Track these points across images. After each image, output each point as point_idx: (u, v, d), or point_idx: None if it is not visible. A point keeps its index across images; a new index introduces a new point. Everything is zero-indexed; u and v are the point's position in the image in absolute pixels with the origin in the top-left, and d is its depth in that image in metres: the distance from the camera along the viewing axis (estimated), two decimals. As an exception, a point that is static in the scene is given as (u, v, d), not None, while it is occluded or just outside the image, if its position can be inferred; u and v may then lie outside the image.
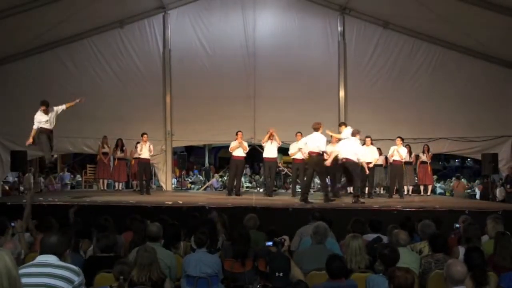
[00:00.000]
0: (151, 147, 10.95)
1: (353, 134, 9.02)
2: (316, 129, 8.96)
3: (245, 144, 10.63)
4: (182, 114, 12.83)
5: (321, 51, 13.00)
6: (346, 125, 9.51)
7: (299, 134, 10.46)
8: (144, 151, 10.76)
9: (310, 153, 8.99)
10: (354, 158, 8.93)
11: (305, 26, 12.99)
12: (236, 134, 10.52)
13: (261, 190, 11.79)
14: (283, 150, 12.50)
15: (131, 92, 12.63)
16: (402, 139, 10.80)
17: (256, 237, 5.15)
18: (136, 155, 11.20)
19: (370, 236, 5.35)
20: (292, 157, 10.63)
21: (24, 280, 2.18)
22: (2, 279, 1.84)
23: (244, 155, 10.62)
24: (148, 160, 10.97)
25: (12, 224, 4.91)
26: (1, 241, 4.79)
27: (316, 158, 8.87)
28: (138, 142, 10.94)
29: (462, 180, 17.58)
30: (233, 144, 10.55)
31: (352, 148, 8.93)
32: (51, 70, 12.25)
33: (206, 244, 4.55)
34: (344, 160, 8.97)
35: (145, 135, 10.86)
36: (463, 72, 12.46)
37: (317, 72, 12.86)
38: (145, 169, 10.97)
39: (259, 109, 12.69)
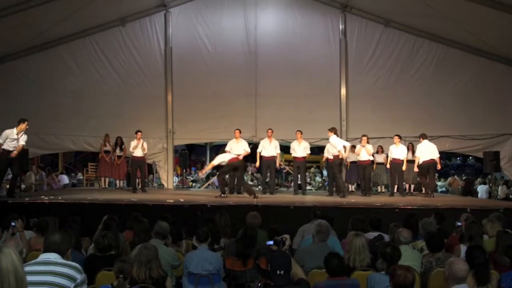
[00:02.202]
0: (145, 145, 10.68)
1: (425, 137, 10.00)
2: (336, 133, 9.85)
3: (245, 144, 10.44)
4: (183, 112, 12.82)
5: (322, 49, 12.96)
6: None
7: (298, 132, 10.45)
8: (137, 148, 10.54)
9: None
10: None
11: (306, 23, 12.96)
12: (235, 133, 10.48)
13: (260, 188, 11.72)
14: (283, 148, 12.47)
15: (132, 90, 12.64)
16: (400, 137, 10.73)
17: (259, 235, 5.15)
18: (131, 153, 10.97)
19: (372, 234, 5.34)
20: (293, 155, 10.61)
21: (28, 278, 2.17)
22: (9, 277, 1.83)
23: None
24: (141, 158, 10.74)
25: (13, 223, 4.88)
26: (4, 237, 4.80)
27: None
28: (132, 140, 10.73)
29: (464, 178, 17.61)
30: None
31: (431, 149, 9.92)
32: (52, 68, 12.27)
33: (208, 240, 4.55)
34: (430, 161, 9.84)
35: (139, 133, 10.63)
36: (464, 70, 12.39)
37: (318, 70, 12.84)
38: (140, 167, 10.84)
39: (260, 107, 12.69)
